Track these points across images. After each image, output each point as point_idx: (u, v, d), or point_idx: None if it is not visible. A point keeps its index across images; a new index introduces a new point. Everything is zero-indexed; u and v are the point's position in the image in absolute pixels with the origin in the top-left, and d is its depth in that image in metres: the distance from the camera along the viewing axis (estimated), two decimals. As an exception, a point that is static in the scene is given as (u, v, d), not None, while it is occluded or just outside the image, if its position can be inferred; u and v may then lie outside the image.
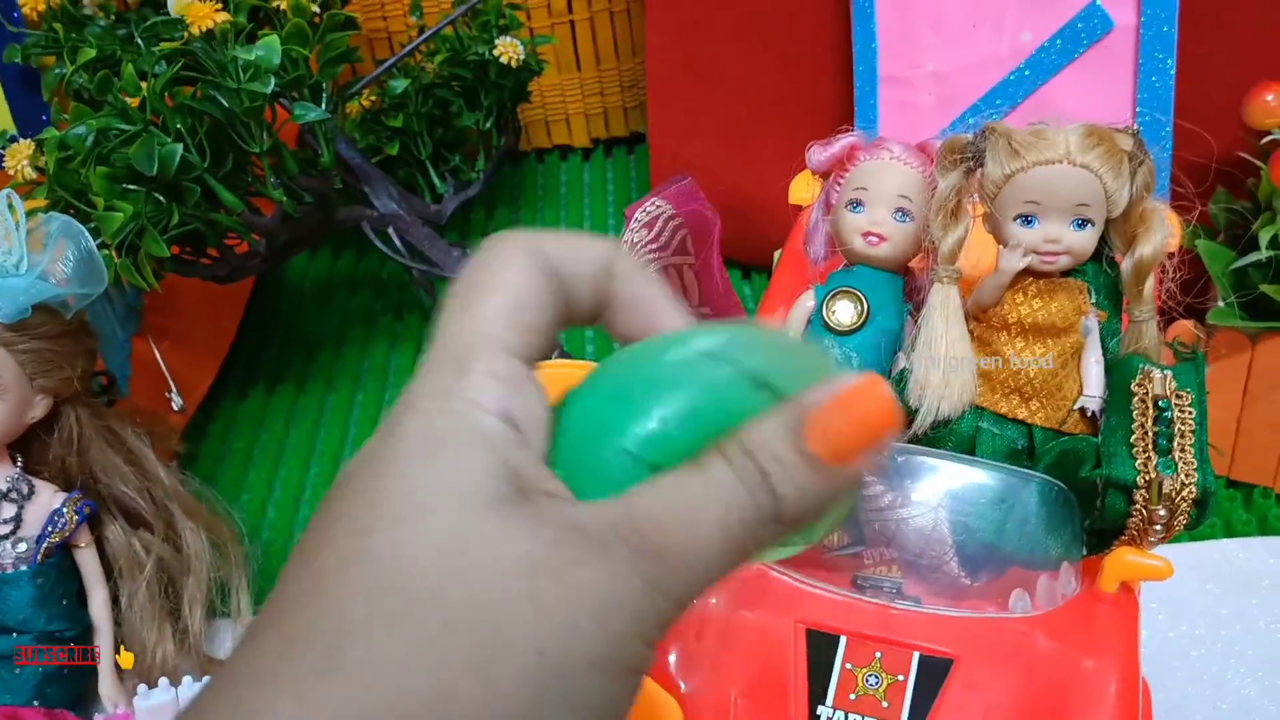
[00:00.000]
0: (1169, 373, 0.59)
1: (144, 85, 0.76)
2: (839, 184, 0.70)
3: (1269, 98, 0.83)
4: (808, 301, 0.70)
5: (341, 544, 0.24)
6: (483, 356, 0.26)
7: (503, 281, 0.27)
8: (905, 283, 0.69)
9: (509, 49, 1.09)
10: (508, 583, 0.23)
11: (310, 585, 0.24)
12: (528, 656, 0.23)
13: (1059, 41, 0.89)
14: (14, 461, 0.75)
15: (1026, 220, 0.61)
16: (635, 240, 0.69)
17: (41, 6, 0.85)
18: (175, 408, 1.01)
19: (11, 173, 0.78)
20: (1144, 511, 0.57)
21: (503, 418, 0.25)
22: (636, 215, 0.71)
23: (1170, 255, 0.64)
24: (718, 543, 0.25)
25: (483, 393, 0.25)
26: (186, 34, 0.77)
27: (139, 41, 0.84)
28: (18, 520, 0.73)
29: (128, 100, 0.76)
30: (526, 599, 0.23)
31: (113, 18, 0.89)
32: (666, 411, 0.25)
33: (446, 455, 0.24)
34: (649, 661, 0.25)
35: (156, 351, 0.93)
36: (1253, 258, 0.82)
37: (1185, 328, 0.82)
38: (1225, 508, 0.86)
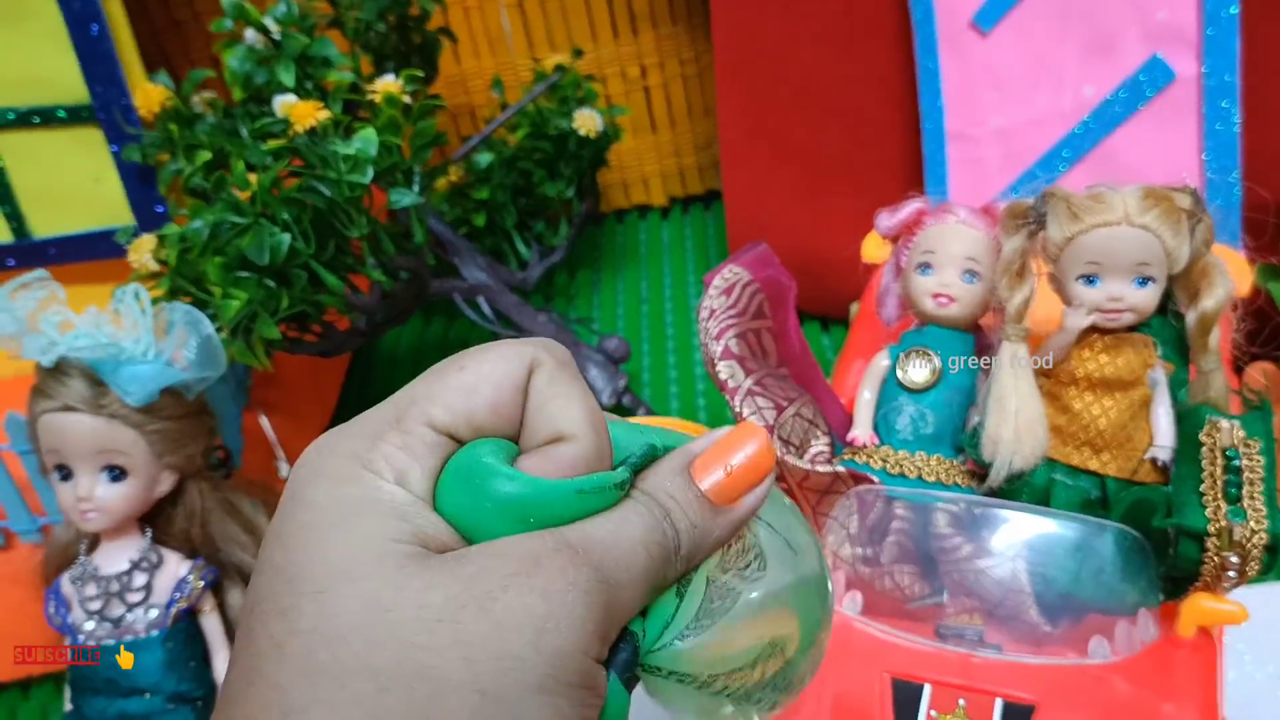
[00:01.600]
0: (1236, 422, 0.61)
1: (253, 179, 0.82)
2: (908, 248, 0.73)
3: (1334, 140, 0.84)
4: (883, 361, 0.72)
5: (271, 624, 0.24)
6: (400, 427, 0.27)
7: (475, 369, 0.28)
8: (976, 340, 0.72)
9: (587, 121, 1.14)
10: (433, 629, 0.23)
11: (249, 670, 0.25)
12: (469, 698, 0.23)
13: (1122, 94, 0.91)
14: (144, 533, 0.80)
15: (1089, 280, 0.63)
16: (714, 306, 0.73)
17: (156, 108, 0.91)
18: (282, 476, 1.07)
19: (135, 265, 0.84)
20: (1216, 559, 0.59)
21: (401, 485, 0.26)
22: (715, 282, 0.74)
23: (1235, 307, 0.65)
24: (640, 559, 0.27)
25: (385, 463, 0.26)
26: (291, 131, 0.83)
27: (244, 134, 0.91)
28: (148, 588, 0.79)
29: (239, 194, 0.82)
30: (455, 642, 0.23)
31: (221, 113, 0.96)
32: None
33: (356, 523, 0.25)
34: (594, 677, 0.25)
35: (266, 423, 0.99)
36: (1325, 298, 0.83)
37: (1261, 371, 0.83)
38: (1311, 546, 0.87)
